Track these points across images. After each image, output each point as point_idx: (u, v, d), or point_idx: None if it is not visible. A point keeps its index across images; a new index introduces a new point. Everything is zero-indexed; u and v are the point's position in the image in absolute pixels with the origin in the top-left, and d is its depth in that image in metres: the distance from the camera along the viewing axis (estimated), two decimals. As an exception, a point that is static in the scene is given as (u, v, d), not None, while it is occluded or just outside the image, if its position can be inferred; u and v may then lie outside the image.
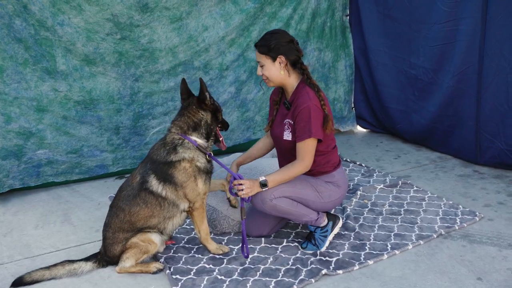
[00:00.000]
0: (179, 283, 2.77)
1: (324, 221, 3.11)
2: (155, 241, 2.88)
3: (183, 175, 2.86)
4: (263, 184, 2.86)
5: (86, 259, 2.92)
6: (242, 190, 2.86)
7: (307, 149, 2.87)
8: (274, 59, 2.89)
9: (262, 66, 2.94)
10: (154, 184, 2.86)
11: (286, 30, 4.87)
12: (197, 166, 2.88)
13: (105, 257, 2.92)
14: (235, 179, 2.93)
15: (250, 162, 3.34)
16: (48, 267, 2.83)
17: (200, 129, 2.93)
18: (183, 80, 2.98)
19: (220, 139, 3.07)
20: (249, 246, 3.10)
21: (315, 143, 2.89)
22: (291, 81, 2.97)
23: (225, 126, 3.11)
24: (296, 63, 2.94)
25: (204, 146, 2.93)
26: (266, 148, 3.30)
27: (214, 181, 3.15)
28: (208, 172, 2.95)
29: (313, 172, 3.01)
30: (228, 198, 3.20)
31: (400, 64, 4.96)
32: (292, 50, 2.91)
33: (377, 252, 3.04)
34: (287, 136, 2.97)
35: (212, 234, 3.29)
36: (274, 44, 2.87)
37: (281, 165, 3.20)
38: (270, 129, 3.16)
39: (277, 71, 2.91)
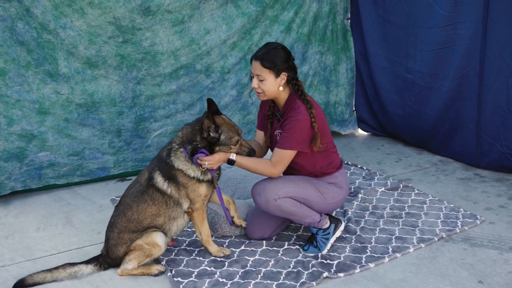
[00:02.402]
0: (181, 286, 2.77)
1: (326, 223, 3.12)
2: (160, 244, 2.88)
3: (183, 178, 2.88)
4: (231, 161, 2.86)
5: (87, 262, 2.92)
6: (205, 164, 2.83)
7: (283, 157, 2.91)
8: (277, 75, 2.90)
9: (261, 80, 2.91)
10: (160, 181, 2.89)
11: (288, 34, 4.95)
12: (190, 177, 2.87)
13: (108, 259, 2.92)
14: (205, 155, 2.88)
15: None
16: (49, 270, 2.84)
17: (192, 149, 2.85)
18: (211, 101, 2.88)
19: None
20: (251, 249, 3.13)
21: (293, 155, 2.93)
22: (284, 95, 3.00)
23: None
24: (292, 79, 2.97)
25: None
26: (259, 153, 3.23)
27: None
28: (206, 181, 2.93)
29: (316, 173, 3.04)
30: (232, 221, 3.12)
31: (398, 68, 4.97)
32: (292, 67, 2.95)
33: (378, 255, 3.04)
34: None
35: (213, 237, 3.29)
36: (279, 60, 2.88)
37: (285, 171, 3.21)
38: (270, 145, 3.18)
39: (276, 87, 2.93)
